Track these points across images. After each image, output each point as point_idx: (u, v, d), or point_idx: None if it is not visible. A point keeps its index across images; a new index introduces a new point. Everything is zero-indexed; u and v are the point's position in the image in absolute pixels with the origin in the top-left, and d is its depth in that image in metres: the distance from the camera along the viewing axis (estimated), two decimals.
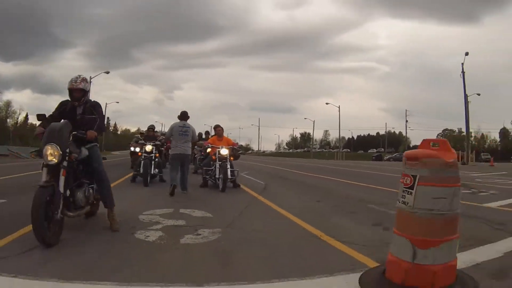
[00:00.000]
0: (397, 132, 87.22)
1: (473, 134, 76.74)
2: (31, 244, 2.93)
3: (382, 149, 75.92)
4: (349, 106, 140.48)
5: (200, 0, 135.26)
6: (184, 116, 6.94)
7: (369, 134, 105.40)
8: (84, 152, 3.66)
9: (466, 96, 30.00)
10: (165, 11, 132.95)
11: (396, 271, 2.11)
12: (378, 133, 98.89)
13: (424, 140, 2.19)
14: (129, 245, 3.17)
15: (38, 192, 3.03)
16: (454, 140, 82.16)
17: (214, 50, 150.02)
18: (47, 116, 3.66)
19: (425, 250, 2.01)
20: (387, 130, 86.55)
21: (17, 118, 70.75)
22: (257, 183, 9.13)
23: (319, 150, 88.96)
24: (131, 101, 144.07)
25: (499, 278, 2.44)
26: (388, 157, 50.30)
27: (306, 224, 4.11)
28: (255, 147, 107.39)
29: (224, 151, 7.49)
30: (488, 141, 74.42)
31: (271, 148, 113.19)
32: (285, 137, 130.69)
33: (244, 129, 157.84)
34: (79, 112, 3.80)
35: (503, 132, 65.21)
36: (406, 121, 71.17)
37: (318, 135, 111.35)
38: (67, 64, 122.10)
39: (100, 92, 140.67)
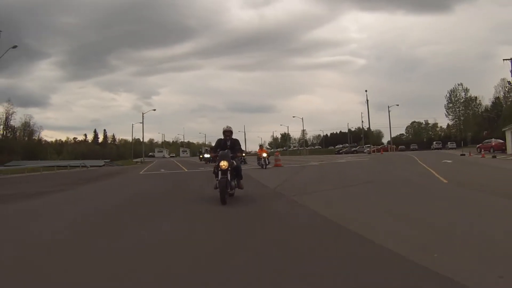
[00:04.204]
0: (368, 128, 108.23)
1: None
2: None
3: (347, 144, 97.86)
4: (327, 102, 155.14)
5: (169, 3, 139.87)
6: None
7: (340, 131, 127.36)
8: (235, 163, 7.87)
9: (369, 119, 51.83)
10: (136, 16, 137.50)
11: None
12: (349, 129, 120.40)
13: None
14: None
15: (221, 180, 7.30)
16: (420, 130, 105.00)
17: (187, 53, 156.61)
18: (213, 147, 8.69)
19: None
20: (353, 128, 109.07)
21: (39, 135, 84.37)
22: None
23: (295, 149, 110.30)
24: (109, 109, 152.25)
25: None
26: (341, 151, 72.23)
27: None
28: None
29: (265, 154, 21.92)
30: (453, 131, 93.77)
31: (255, 148, 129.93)
32: (267, 138, 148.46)
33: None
34: (228, 143, 8.19)
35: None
36: (362, 121, 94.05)
37: (297, 134, 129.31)
38: (42, 75, 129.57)
39: (75, 102, 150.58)
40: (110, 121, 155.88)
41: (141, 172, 23.62)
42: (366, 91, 52.93)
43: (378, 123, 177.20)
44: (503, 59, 43.98)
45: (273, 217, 6.10)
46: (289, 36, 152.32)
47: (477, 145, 37.27)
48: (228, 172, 7.58)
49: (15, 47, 33.02)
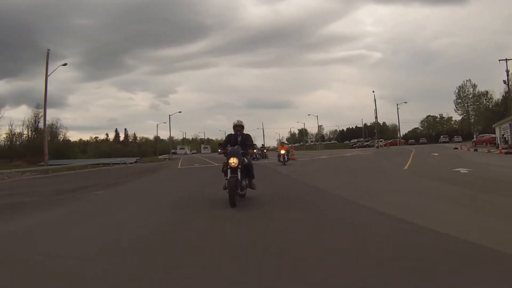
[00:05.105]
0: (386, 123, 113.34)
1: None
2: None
3: (361, 139, 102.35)
4: (344, 96, 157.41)
5: (184, 2, 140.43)
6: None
7: (356, 126, 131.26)
8: (246, 161, 7.48)
9: (376, 116, 56.53)
10: (150, 16, 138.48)
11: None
12: (364, 124, 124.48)
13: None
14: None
15: (231, 179, 6.81)
16: (435, 124, 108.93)
17: (202, 51, 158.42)
18: (222, 143, 8.11)
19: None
20: (368, 122, 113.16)
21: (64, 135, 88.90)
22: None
23: (312, 143, 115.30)
24: (127, 108, 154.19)
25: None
26: (354, 145, 77.07)
27: None
28: (259, 144, 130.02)
29: (283, 151, 23.72)
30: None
31: (273, 144, 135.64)
32: (285, 134, 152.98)
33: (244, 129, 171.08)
34: (239, 139, 7.77)
35: None
36: (375, 116, 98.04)
37: (314, 129, 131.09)
38: (59, 77, 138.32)
39: (92, 102, 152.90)
40: (128, 120, 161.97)
41: (178, 167, 29.27)
42: (373, 91, 57.64)
43: (394, 118, 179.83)
44: (499, 60, 48.15)
45: (282, 189, 11.38)
46: (304, 31, 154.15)
47: (472, 140, 41.70)
48: (239, 170, 7.16)
49: (65, 64, 39.07)
